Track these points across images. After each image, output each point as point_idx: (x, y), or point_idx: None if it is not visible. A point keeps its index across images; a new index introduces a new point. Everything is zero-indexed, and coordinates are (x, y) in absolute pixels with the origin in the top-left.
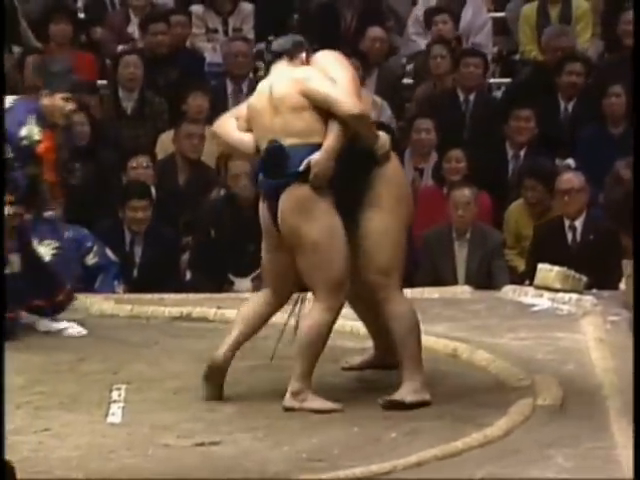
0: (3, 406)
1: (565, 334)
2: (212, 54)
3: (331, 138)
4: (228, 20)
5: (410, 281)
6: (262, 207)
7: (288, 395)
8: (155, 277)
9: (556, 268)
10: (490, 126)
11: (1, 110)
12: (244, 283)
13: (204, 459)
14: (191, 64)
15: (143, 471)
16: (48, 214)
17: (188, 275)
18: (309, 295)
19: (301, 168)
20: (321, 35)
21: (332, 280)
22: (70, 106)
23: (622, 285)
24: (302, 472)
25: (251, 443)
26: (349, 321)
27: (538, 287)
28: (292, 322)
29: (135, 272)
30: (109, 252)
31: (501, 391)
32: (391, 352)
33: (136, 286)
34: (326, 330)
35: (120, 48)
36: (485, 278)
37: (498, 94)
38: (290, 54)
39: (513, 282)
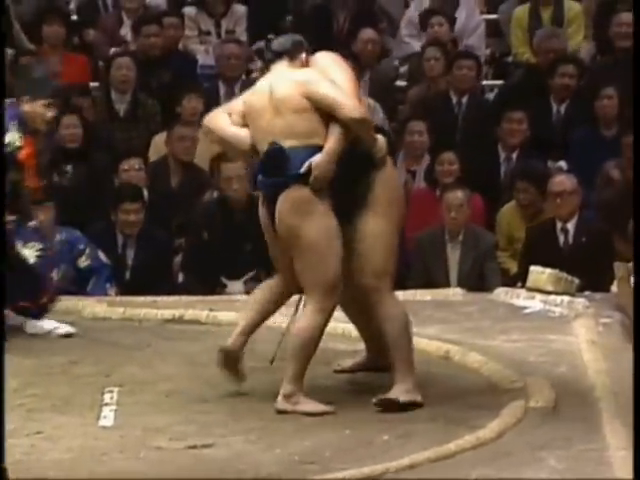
0: (3, 407)
1: (557, 336)
2: (205, 56)
3: (332, 141)
4: (221, 22)
5: (402, 283)
6: (261, 209)
7: (280, 398)
8: (147, 279)
9: (548, 270)
10: (483, 128)
11: (1, 110)
12: (237, 286)
13: (197, 461)
14: (184, 66)
15: (135, 474)
16: (32, 224)
17: (180, 278)
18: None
19: (302, 170)
20: (314, 37)
21: (326, 282)
22: (51, 113)
23: (614, 287)
24: (294, 474)
25: (243, 445)
26: (341, 323)
27: (530, 289)
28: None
29: (127, 274)
30: (101, 255)
31: (493, 393)
32: (383, 354)
33: (128, 288)
34: (318, 332)
35: (113, 50)
36: (477, 280)
37: (491, 96)
38: (290, 54)
39: (505, 284)
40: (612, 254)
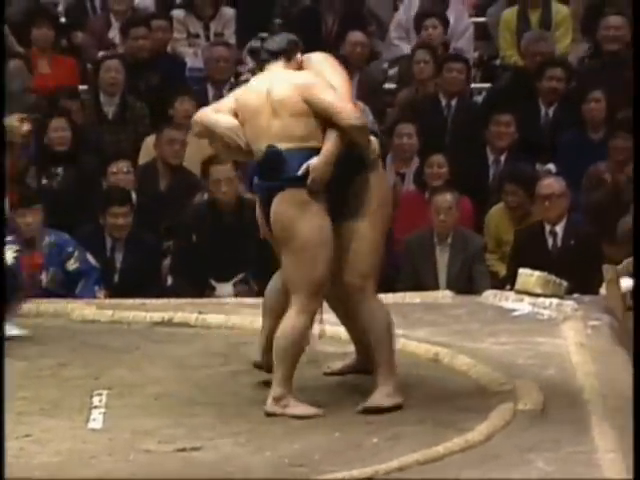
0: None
1: (546, 339)
2: (193, 59)
3: (330, 144)
4: (209, 25)
5: (392, 286)
6: (258, 211)
7: (270, 400)
8: (136, 282)
9: (537, 273)
10: (471, 131)
11: (1, 111)
12: (226, 288)
13: (185, 464)
14: (172, 69)
15: (124, 477)
16: (9, 239)
17: (169, 280)
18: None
19: (300, 172)
20: (303, 39)
21: (313, 282)
22: (26, 127)
23: (603, 290)
24: (284, 477)
25: (232, 448)
26: (329, 326)
27: (519, 292)
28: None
29: (116, 277)
30: (90, 257)
31: (482, 396)
32: (372, 357)
33: (117, 291)
34: (304, 333)
35: (101, 53)
36: (466, 283)
37: (479, 99)
38: (287, 54)
39: (494, 287)
40: (600, 257)
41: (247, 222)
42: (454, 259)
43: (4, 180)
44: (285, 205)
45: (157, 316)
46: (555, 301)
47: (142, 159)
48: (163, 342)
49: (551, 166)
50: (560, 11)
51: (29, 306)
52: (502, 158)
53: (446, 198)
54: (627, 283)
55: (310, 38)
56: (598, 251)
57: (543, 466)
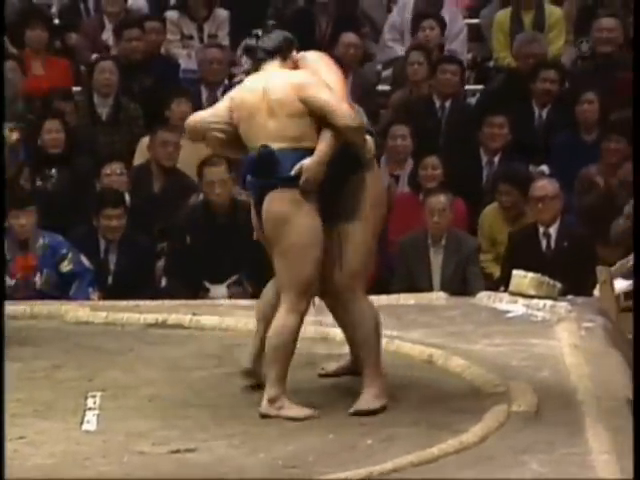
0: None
1: (540, 340)
2: (187, 60)
3: (324, 144)
4: (203, 26)
5: (386, 287)
6: (253, 213)
7: (264, 402)
8: (130, 284)
9: (530, 274)
10: (465, 133)
11: (1, 113)
12: (220, 290)
13: (179, 466)
14: (166, 70)
15: (118, 478)
16: None
17: (163, 282)
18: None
19: (293, 172)
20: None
21: (302, 282)
22: (15, 136)
23: (596, 292)
24: (278, 479)
25: (227, 450)
26: (324, 327)
27: (513, 293)
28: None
29: (110, 279)
30: (84, 259)
31: (476, 397)
32: None
33: (111, 293)
34: (295, 332)
35: (95, 54)
36: (460, 284)
37: (472, 101)
38: (283, 53)
39: (488, 288)
40: (594, 258)
41: (241, 224)
42: (448, 261)
43: (4, 180)
44: (277, 204)
45: (151, 318)
46: (549, 303)
47: (137, 160)
48: (157, 344)
49: (544, 167)
50: (553, 13)
51: (23, 308)
52: (496, 160)
53: (440, 200)
54: (621, 285)
55: (304, 40)
56: (592, 253)
57: (537, 467)
